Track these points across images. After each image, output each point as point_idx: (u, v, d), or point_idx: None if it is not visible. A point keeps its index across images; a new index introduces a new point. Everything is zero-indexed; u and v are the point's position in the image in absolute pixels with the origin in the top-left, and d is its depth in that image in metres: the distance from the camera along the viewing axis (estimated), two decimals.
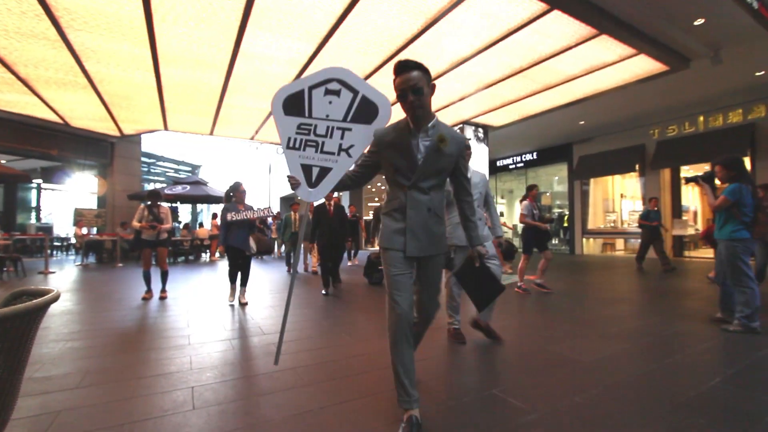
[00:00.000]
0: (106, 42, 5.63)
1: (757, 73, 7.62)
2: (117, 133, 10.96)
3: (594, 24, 5.25)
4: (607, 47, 6.00)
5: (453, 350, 3.01)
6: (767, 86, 8.15)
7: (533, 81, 7.35)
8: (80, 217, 11.28)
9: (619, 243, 12.54)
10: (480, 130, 10.17)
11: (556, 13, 4.97)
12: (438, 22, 5.17)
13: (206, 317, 4.15)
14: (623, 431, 1.76)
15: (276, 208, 14.50)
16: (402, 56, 6.13)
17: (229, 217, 4.75)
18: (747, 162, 8.99)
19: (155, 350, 3.02)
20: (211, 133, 10.86)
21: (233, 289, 4.99)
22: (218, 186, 13.90)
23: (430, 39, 5.66)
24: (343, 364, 2.70)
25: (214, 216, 13.04)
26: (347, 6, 4.79)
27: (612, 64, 6.63)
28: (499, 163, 15.33)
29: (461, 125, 9.92)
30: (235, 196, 5.02)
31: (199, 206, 21.71)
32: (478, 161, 9.95)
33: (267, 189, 21.21)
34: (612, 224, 12.57)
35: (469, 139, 9.89)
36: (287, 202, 23.98)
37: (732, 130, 9.20)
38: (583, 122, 10.64)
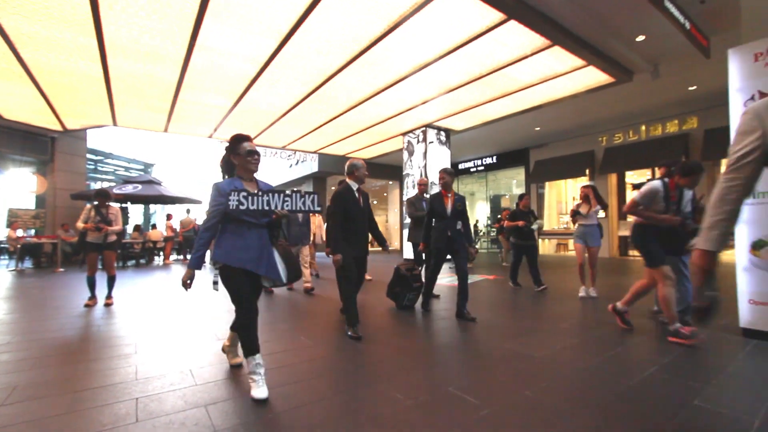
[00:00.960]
0: (45, 29, 5.21)
1: (690, 88, 8.34)
2: (59, 128, 10.13)
3: (547, 35, 5.53)
4: (560, 58, 6.33)
5: (409, 350, 3.04)
6: (699, 100, 8.94)
7: (493, 87, 7.61)
8: (14, 218, 10.31)
9: (572, 243, 13.25)
10: (442, 133, 10.39)
11: (513, 23, 5.18)
12: (400, 26, 5.23)
13: (156, 324, 3.93)
14: (568, 421, 1.85)
15: None
16: (365, 58, 6.15)
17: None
18: None
19: (97, 361, 2.82)
20: (166, 130, 10.32)
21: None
22: (173, 186, 13.23)
23: (391, 43, 5.72)
24: (300, 367, 2.64)
25: (169, 217, 12.37)
26: (310, 3, 4.73)
27: (564, 74, 7.01)
28: (461, 166, 15.73)
29: (424, 128, 10.09)
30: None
31: (152, 207, 20.51)
32: (441, 163, 10.17)
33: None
34: (565, 225, 13.27)
35: (431, 142, 10.09)
36: None
37: (669, 139, 10.01)
38: (538, 128, 11.15)
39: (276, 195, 2.27)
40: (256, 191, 2.24)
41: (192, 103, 8.20)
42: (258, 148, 2.52)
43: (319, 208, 2.49)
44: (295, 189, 3.22)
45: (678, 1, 5.23)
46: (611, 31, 5.90)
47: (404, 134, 10.77)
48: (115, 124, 9.68)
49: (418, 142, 10.31)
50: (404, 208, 7.26)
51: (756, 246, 3.11)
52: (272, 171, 19.18)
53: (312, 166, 15.55)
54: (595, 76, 7.12)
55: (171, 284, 6.95)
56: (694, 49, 5.82)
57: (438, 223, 4.11)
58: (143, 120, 9.46)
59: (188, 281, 2.22)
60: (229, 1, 4.68)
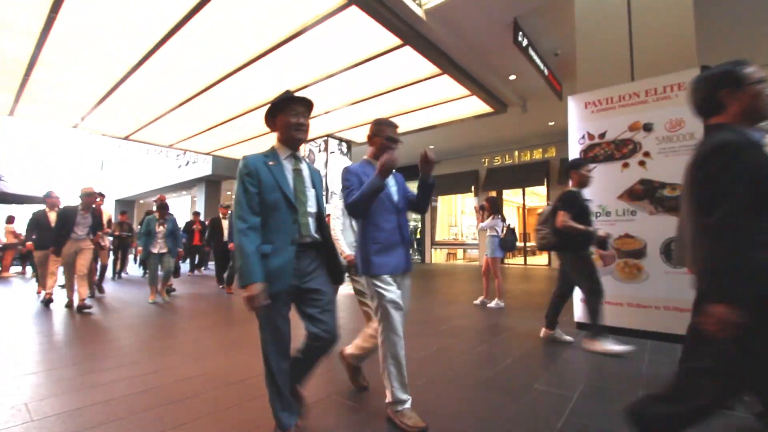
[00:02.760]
0: None
1: (550, 123, 10.04)
2: None
3: (438, 64, 6.12)
4: (450, 85, 7.04)
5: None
6: (556, 133, 10.79)
7: (392, 105, 8.07)
8: None
9: (460, 252, 14.64)
10: (343, 144, 10.59)
11: (408, 49, 5.62)
12: (302, 35, 5.24)
13: None
14: (432, 414, 2.06)
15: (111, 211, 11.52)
16: (265, 61, 5.99)
17: None
18: (544, 189, 11.70)
19: None
20: (12, 114, 8.46)
21: None
22: (16, 182, 10.83)
23: (294, 51, 5.68)
24: (170, 389, 2.42)
25: (10, 219, 10.11)
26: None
27: (454, 101, 7.81)
28: None
29: (326, 137, 10.17)
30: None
31: None
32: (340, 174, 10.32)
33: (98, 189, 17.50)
34: (454, 236, 14.60)
35: (333, 152, 10.21)
36: (126, 205, 20.28)
37: (535, 165, 11.83)
38: (432, 146, 12.15)
39: None
40: None
41: (52, 85, 6.90)
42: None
43: None
44: None
45: (539, 51, 6.30)
46: (490, 67, 6.81)
47: (306, 142, 10.67)
48: None
49: (320, 151, 10.33)
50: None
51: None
52: (157, 172, 17.11)
53: (204, 168, 14.32)
54: (478, 105, 8.08)
55: (4, 303, 5.68)
56: (551, 91, 7.05)
57: None
58: None
59: None
60: None
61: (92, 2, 4.56)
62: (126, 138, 10.06)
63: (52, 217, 6.06)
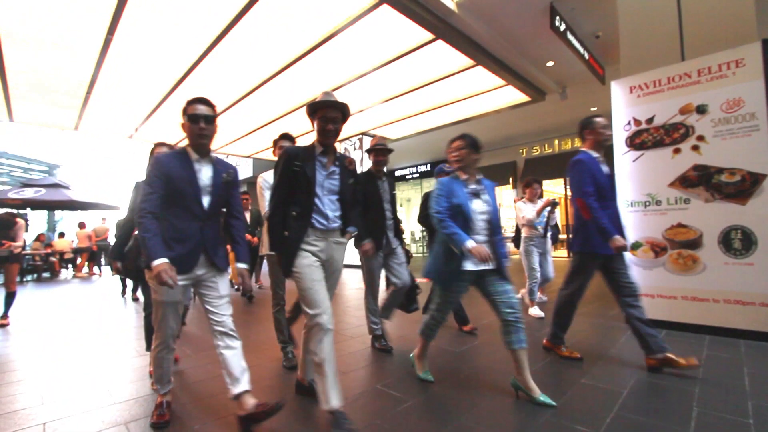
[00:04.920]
0: None
1: (592, 109, 9.56)
2: None
3: (471, 56, 6.03)
4: (483, 77, 6.90)
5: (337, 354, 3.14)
6: None
7: (425, 100, 8.04)
8: None
9: None
10: None
11: (441, 43, 5.58)
12: (336, 37, 5.36)
13: (65, 343, 3.58)
14: (476, 407, 2.09)
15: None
16: (300, 65, 6.18)
17: None
18: None
19: None
20: (77, 129, 9.32)
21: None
22: (84, 190, 11.90)
23: (328, 53, 5.82)
24: None
25: (82, 225, 11.11)
26: (246, 4, 4.66)
27: (488, 92, 7.65)
28: (397, 173, 16.23)
29: (360, 135, 10.31)
30: None
31: (58, 213, 18.22)
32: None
33: None
34: None
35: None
36: None
37: (577, 153, 11.32)
38: None
39: None
40: None
41: (110, 100, 7.53)
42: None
43: None
44: None
45: (579, 34, 6.02)
46: (526, 56, 6.59)
47: (341, 141, 10.88)
48: (11, 119, 8.52)
49: (355, 149, 10.49)
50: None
51: (633, 247, 3.72)
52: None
53: (246, 170, 14.99)
54: (514, 95, 7.86)
55: (82, 299, 6.30)
56: (593, 75, 6.72)
57: None
58: (48, 116, 8.45)
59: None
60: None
61: (143, 22, 4.93)
62: (174, 146, 10.76)
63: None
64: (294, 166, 1.98)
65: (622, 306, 2.66)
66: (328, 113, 2.05)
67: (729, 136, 3.26)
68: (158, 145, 2.76)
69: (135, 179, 2.83)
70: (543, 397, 2.08)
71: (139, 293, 5.85)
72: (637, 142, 3.75)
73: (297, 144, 2.42)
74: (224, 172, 2.04)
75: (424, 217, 3.57)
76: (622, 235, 2.60)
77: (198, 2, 4.60)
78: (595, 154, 2.79)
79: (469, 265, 2.18)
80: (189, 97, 2.10)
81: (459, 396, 2.22)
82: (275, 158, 2.38)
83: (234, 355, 1.89)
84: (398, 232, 3.29)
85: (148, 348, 2.50)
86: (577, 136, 2.95)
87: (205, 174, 1.98)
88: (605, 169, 2.77)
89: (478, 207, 2.27)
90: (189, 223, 1.90)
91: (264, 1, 4.57)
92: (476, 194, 2.32)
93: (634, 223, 3.71)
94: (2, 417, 2.08)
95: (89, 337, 3.79)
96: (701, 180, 3.39)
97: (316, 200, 2.01)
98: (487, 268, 2.20)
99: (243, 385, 1.86)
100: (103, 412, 2.12)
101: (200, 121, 1.95)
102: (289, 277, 2.00)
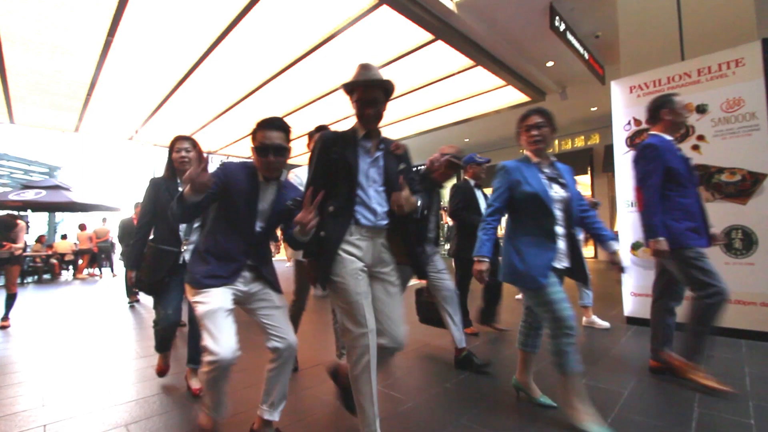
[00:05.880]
0: None
1: (592, 108, 9.56)
2: None
3: (471, 56, 6.04)
4: (484, 77, 6.92)
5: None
6: (599, 119, 10.26)
7: (425, 100, 8.05)
8: None
9: None
10: None
11: (440, 44, 5.59)
12: (335, 38, 5.37)
13: (65, 345, 3.58)
14: (474, 405, 2.09)
15: None
16: (300, 66, 6.18)
17: None
18: (587, 178, 11.16)
19: None
20: (77, 131, 9.34)
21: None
22: (84, 192, 11.90)
23: (328, 54, 5.83)
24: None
25: (82, 227, 11.10)
26: (247, 4, 4.66)
27: (488, 92, 7.66)
28: None
29: None
30: None
31: (58, 215, 18.23)
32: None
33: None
34: None
35: None
36: None
37: (577, 153, 11.32)
38: (467, 140, 11.96)
39: None
40: None
41: (110, 102, 7.54)
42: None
43: None
44: None
45: (578, 34, 6.03)
46: (525, 56, 6.60)
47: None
48: (12, 121, 8.54)
49: None
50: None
51: (634, 247, 3.71)
52: None
53: None
54: (514, 95, 7.87)
55: (83, 301, 6.30)
56: (592, 75, 6.72)
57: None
58: (49, 118, 8.47)
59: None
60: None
61: (144, 23, 4.94)
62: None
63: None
64: (332, 153, 1.65)
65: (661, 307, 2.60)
66: (366, 94, 1.66)
67: (729, 136, 3.26)
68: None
69: (147, 178, 2.75)
70: (543, 398, 2.08)
71: (142, 297, 5.84)
72: (637, 141, 3.75)
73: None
74: (290, 199, 1.78)
75: (453, 212, 3.50)
76: (707, 225, 2.39)
77: (198, 4, 4.61)
78: (668, 138, 2.45)
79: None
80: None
81: (459, 396, 2.22)
82: (309, 153, 1.97)
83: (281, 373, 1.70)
84: (437, 241, 3.10)
85: (157, 349, 2.49)
86: (647, 118, 2.58)
87: (267, 197, 1.76)
88: (682, 153, 2.43)
89: (556, 194, 1.95)
90: (236, 244, 1.69)
91: (263, 3, 4.58)
92: (554, 179, 1.99)
93: (634, 223, 3.70)
94: (3, 419, 2.08)
95: (90, 339, 3.79)
96: (701, 180, 3.38)
97: (360, 192, 1.63)
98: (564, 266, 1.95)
99: (275, 415, 1.71)
100: (104, 414, 2.12)
101: (269, 153, 1.70)
102: (326, 289, 1.64)
